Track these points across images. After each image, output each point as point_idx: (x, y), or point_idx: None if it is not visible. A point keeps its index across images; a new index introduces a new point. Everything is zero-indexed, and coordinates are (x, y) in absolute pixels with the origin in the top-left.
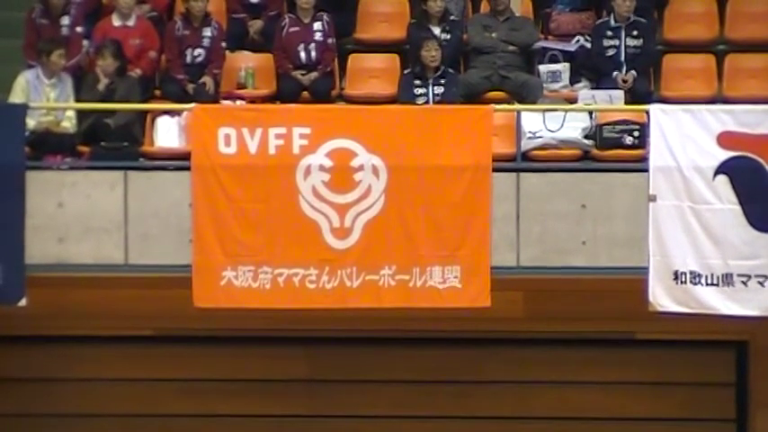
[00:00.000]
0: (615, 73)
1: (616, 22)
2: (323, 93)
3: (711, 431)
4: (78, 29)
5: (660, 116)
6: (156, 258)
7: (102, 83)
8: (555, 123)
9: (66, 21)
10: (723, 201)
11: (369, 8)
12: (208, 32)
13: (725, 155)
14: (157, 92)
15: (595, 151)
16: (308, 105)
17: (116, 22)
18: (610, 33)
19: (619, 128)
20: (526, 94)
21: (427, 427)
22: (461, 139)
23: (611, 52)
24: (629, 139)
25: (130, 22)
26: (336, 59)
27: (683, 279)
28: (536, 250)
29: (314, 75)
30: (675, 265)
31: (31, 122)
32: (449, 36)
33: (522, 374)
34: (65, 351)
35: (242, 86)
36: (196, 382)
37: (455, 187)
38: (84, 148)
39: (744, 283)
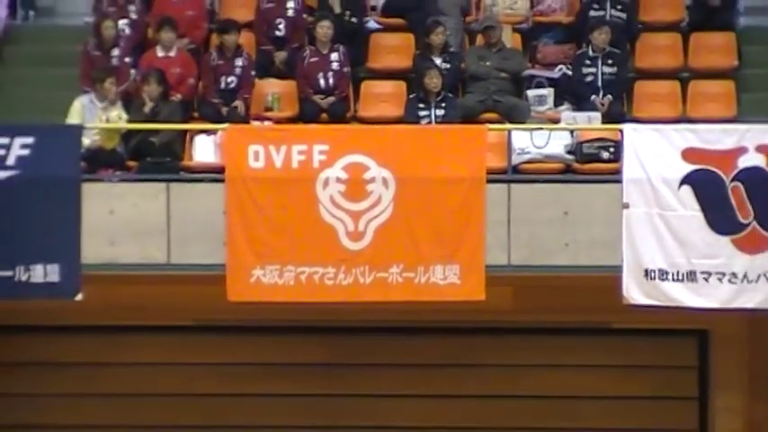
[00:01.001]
0: (593, 97)
1: (594, 52)
2: (339, 114)
3: (676, 408)
4: (127, 59)
5: (632, 134)
6: (195, 258)
7: (148, 106)
8: (541, 141)
9: (116, 52)
10: (687, 208)
11: (379, 41)
12: (239, 62)
13: (688, 168)
14: (195, 114)
15: (576, 165)
16: (327, 125)
17: (159, 53)
18: (588, 62)
19: (597, 144)
20: (516, 116)
21: (428, 405)
22: (459, 155)
23: (589, 79)
24: (605, 155)
25: (172, 54)
26: (351, 85)
27: (653, 276)
28: (525, 251)
29: (331, 99)
30: (646, 264)
31: (85, 141)
32: (449, 65)
33: (511, 359)
34: (115, 339)
35: (269, 109)
36: (229, 366)
37: (454, 196)
38: (132, 163)
39: (705, 279)
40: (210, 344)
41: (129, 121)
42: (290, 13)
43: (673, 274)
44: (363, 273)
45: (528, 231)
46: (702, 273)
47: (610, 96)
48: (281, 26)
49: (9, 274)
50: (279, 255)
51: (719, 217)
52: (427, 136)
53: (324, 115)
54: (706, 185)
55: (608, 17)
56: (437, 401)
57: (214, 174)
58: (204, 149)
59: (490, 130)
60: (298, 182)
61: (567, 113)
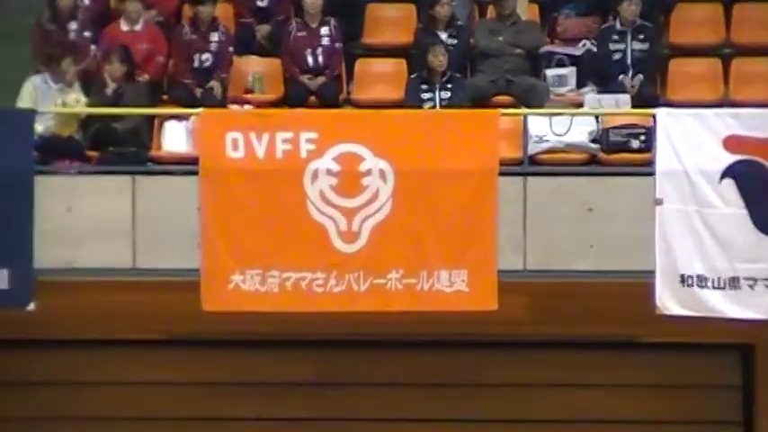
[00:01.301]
0: (621, 77)
1: (622, 26)
2: (330, 97)
3: None
4: (86, 34)
5: (666, 120)
6: (165, 262)
7: (111, 87)
8: (561, 127)
9: (74, 26)
10: (729, 204)
11: (376, 13)
12: (215, 37)
13: (731, 158)
14: (165, 96)
15: (602, 155)
16: (316, 110)
17: (124, 26)
18: (616, 37)
19: (625, 132)
20: (532, 99)
21: (433, 430)
22: (468, 144)
23: (617, 56)
24: (635, 143)
25: (138, 27)
26: (343, 64)
27: (690, 282)
28: (542, 254)
29: (321, 79)
30: (682, 269)
31: (39, 128)
32: (455, 41)
33: (527, 377)
34: (72, 356)
35: (249, 91)
36: (205, 386)
37: (462, 191)
38: (93, 153)
39: (750, 286)
40: (184, 360)
41: (89, 105)
42: None
43: (713, 281)
44: (358, 279)
45: (546, 231)
46: (746, 279)
47: (640, 76)
48: None
49: None
50: (261, 258)
51: (766, 214)
52: (431, 122)
53: (312, 98)
54: (751, 178)
55: None
56: (442, 426)
57: (187, 165)
58: (175, 137)
59: (503, 115)
60: (283, 174)
61: (591, 96)
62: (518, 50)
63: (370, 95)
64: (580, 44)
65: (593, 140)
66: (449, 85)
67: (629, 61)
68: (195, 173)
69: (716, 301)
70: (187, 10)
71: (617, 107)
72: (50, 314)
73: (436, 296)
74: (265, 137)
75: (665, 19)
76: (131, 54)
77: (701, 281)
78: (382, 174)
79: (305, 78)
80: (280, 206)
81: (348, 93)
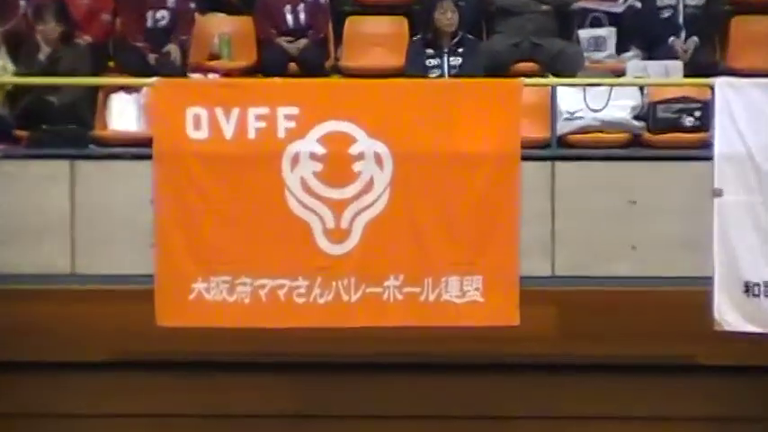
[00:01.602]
0: (672, 39)
1: None
2: (314, 64)
3: None
4: None
5: (727, 92)
6: (110, 267)
7: (44, 52)
8: (598, 101)
9: None
10: None
11: None
12: None
13: None
14: (111, 63)
15: (647, 135)
16: (296, 80)
17: None
18: None
19: (676, 107)
20: (563, 66)
21: None
22: (483, 121)
23: (666, 14)
24: (688, 121)
25: None
26: (331, 24)
27: (756, 291)
28: (574, 256)
29: (303, 42)
30: (745, 275)
31: None
32: None
33: (557, 408)
34: None
35: (215, 57)
36: (160, 418)
37: (476, 180)
38: (22, 133)
39: None
40: (133, 387)
41: (18, 75)
42: None
43: None
44: (348, 287)
45: (579, 229)
46: None
47: (695, 39)
48: None
49: None
50: (229, 262)
51: None
52: (438, 95)
53: (293, 65)
54: None
55: None
56: None
57: (138, 148)
58: (123, 113)
59: (526, 85)
60: (256, 159)
61: (634, 63)
62: (545, 6)
63: (363, 62)
64: (621, 0)
65: (637, 117)
66: (459, 50)
67: (680, 20)
68: (148, 157)
69: None
70: None
71: (666, 76)
72: None
73: (444, 309)
74: (235, 113)
75: None
76: (69, 11)
77: None
78: (378, 158)
79: (283, 41)
80: (252, 198)
81: (336, 59)
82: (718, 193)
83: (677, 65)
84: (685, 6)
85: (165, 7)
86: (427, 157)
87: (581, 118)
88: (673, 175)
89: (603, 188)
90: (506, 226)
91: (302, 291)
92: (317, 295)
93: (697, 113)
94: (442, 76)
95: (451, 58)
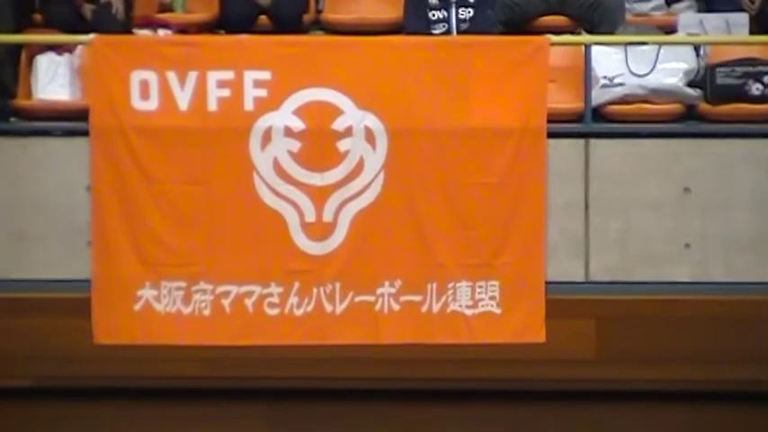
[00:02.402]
0: None
1: None
2: (290, 18)
3: None
4: None
5: None
6: (36, 270)
7: None
8: (643, 64)
9: None
10: None
11: None
12: None
13: None
14: (37, 16)
15: (705, 106)
16: (268, 37)
17: None
18: None
19: (740, 70)
20: (599, 20)
21: None
22: (501, 89)
23: None
24: (755, 88)
25: None
26: None
27: None
28: (615, 257)
29: None
30: None
31: None
32: None
33: None
34: None
35: (167, 8)
36: None
37: (492, 161)
38: None
39: None
40: (65, 418)
41: None
42: None
43: None
44: (332, 295)
45: (620, 222)
46: None
47: None
48: None
49: None
50: (185, 263)
51: None
52: (444, 56)
53: (263, 19)
54: None
55: None
56: None
57: (70, 122)
58: (52, 79)
59: (553, 44)
60: (218, 136)
61: (688, 16)
62: None
63: (350, 15)
64: None
65: (692, 84)
66: (471, 0)
67: None
68: (84, 133)
69: None
70: None
71: (728, 33)
72: None
73: (452, 322)
74: (191, 78)
75: None
76: None
77: None
78: (369, 134)
79: None
80: (213, 184)
81: (318, 11)
82: None
83: (742, 18)
84: None
85: None
86: (430, 133)
87: (622, 85)
88: (736, 155)
89: (650, 172)
90: (529, 219)
91: (275, 300)
92: (294, 305)
93: (766, 79)
94: (448, 32)
95: (460, 10)
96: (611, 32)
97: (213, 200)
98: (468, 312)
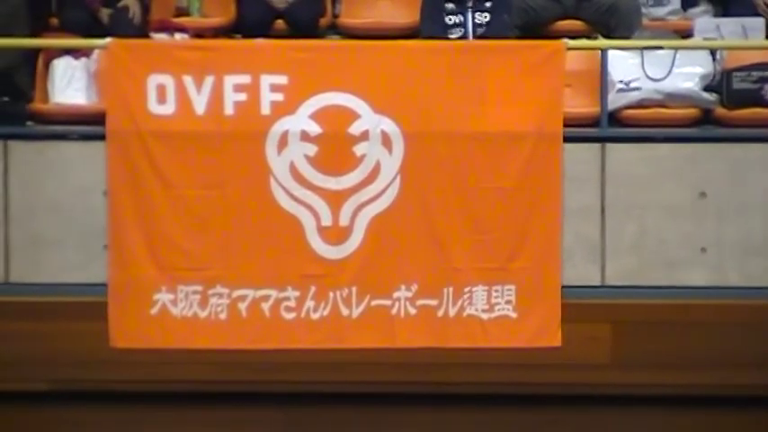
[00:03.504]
0: None
1: None
2: (307, 22)
3: None
4: None
5: None
6: (53, 274)
7: None
8: (659, 69)
9: None
10: None
11: None
12: None
13: None
14: (54, 21)
15: (721, 110)
16: (285, 41)
17: None
18: None
19: (756, 75)
20: (615, 24)
21: None
22: (517, 93)
23: None
24: None
25: None
26: None
27: None
28: (631, 261)
29: None
30: None
31: None
32: None
33: None
34: None
35: (183, 13)
36: None
37: (507, 166)
38: None
39: None
40: (83, 422)
41: None
42: None
43: None
44: (349, 299)
45: (636, 226)
46: None
47: None
48: None
49: None
50: (201, 267)
51: None
52: (460, 60)
53: (280, 23)
54: None
55: None
56: None
57: (87, 126)
58: (69, 83)
59: (570, 48)
60: (234, 140)
61: (704, 20)
62: None
63: (366, 19)
64: None
65: (708, 89)
66: (487, 4)
67: None
68: (101, 137)
69: None
70: None
71: (744, 38)
72: None
73: (468, 326)
74: (208, 82)
75: None
76: None
77: None
78: (386, 139)
79: None
80: (230, 188)
81: (334, 16)
82: None
83: (758, 23)
84: None
85: None
86: (446, 137)
87: (638, 89)
88: (752, 160)
89: (666, 177)
90: (545, 223)
91: (291, 304)
92: (310, 309)
93: None
94: (465, 36)
95: (477, 15)
96: (628, 37)
97: (229, 204)
98: (485, 316)
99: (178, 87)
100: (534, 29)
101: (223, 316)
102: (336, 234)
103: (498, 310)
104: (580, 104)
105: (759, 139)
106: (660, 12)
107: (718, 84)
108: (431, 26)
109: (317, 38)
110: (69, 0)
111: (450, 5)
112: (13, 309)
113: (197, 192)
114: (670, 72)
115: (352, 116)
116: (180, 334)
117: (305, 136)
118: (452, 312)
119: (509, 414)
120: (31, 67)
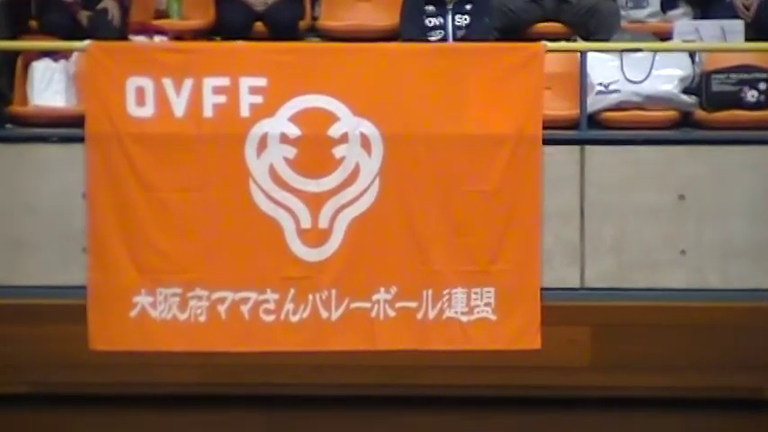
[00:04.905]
0: None
1: None
2: (286, 25)
3: None
4: None
5: None
6: (32, 277)
7: None
8: (638, 71)
9: None
10: None
11: None
12: None
13: None
14: (33, 23)
15: (700, 113)
16: (264, 44)
17: None
18: None
19: (735, 77)
20: (595, 27)
21: None
22: (496, 95)
23: None
24: (751, 95)
25: None
26: None
27: None
28: (610, 263)
29: None
30: None
31: None
32: None
33: None
34: None
35: (162, 15)
36: None
37: (488, 168)
38: None
39: None
40: (61, 426)
41: None
42: None
43: None
44: (328, 301)
45: (616, 228)
46: None
47: None
48: None
49: None
50: (180, 270)
51: None
52: (440, 63)
53: (259, 25)
54: None
55: None
56: None
57: (66, 128)
58: (48, 85)
59: (549, 51)
60: (214, 142)
61: (684, 23)
62: None
63: (346, 21)
64: None
65: (687, 91)
66: (467, 6)
67: None
68: (80, 139)
69: None
70: None
71: (723, 40)
72: None
73: (447, 329)
74: (187, 85)
75: None
76: None
77: None
78: (365, 141)
79: None
80: (209, 191)
81: (314, 18)
82: None
83: (737, 25)
84: None
85: None
86: (426, 139)
87: (617, 92)
88: (732, 162)
89: (645, 179)
90: (525, 226)
91: (271, 306)
92: (290, 311)
93: (762, 86)
94: (445, 39)
95: (457, 17)
96: (607, 39)
97: (209, 206)
98: (464, 319)
99: (157, 89)
100: (514, 31)
101: (203, 318)
102: (316, 236)
103: (478, 312)
104: (559, 107)
105: (738, 141)
106: (639, 14)
107: (698, 86)
108: (411, 28)
109: (296, 40)
110: (49, 2)
111: (430, 8)
112: None
113: (176, 194)
114: (649, 74)
115: (332, 118)
116: (160, 336)
117: (284, 138)
118: (432, 315)
119: (488, 416)
120: (10, 69)
